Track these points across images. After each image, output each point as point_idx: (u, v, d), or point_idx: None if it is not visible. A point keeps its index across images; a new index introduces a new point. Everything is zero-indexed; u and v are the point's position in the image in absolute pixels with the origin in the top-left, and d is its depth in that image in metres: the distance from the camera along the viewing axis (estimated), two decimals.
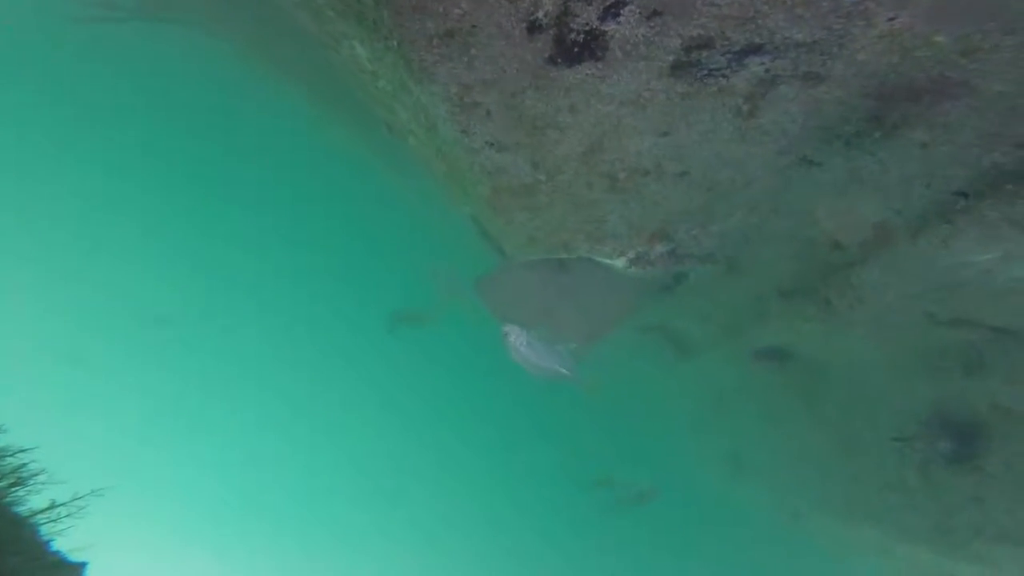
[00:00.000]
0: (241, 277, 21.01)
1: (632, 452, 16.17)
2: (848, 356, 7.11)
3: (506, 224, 5.17)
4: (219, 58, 11.65)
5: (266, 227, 20.01)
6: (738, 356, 8.30)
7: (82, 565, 4.45)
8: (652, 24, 3.17)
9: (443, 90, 3.70)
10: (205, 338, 21.59)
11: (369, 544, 23.01)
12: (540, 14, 3.14)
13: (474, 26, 3.22)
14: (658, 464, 15.21)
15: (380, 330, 18.57)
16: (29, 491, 4.15)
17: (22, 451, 4.17)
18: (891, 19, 3.13)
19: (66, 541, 4.38)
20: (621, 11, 3.08)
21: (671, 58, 3.42)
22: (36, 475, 4.17)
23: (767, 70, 3.53)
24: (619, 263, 5.83)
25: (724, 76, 3.57)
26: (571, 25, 3.19)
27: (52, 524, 4.27)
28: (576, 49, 3.32)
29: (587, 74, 3.50)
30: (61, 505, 4.31)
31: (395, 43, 3.51)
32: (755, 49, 3.37)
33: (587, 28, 3.20)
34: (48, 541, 4.26)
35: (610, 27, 3.18)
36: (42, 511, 4.24)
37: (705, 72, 3.52)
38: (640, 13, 3.09)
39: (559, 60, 3.41)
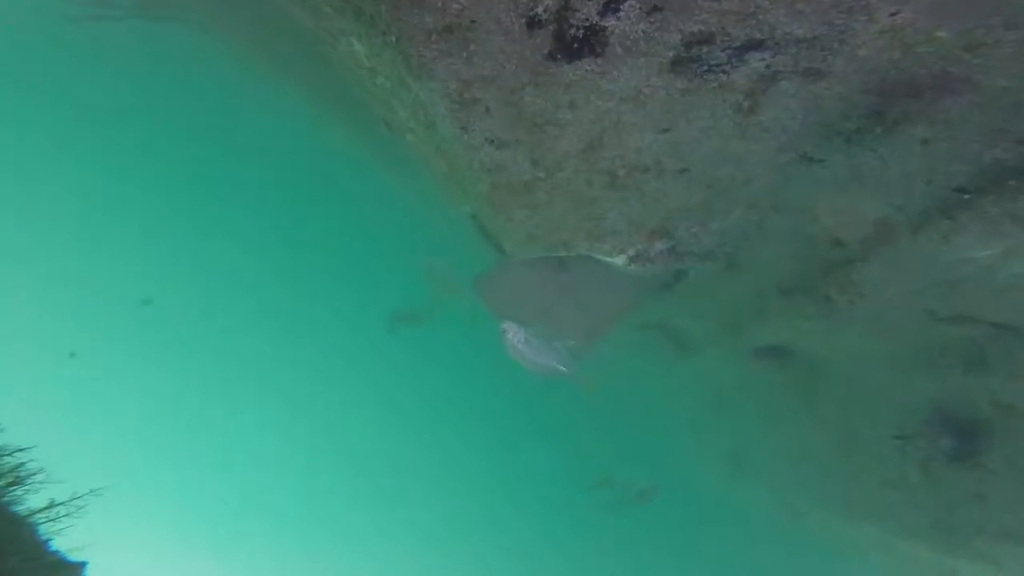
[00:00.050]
0: (240, 277, 21.01)
1: (632, 451, 16.17)
2: (849, 353, 7.11)
3: (505, 222, 5.14)
4: (216, 56, 11.62)
5: (265, 226, 19.99)
6: (738, 354, 8.30)
7: (81, 565, 4.44)
8: (652, 20, 3.15)
9: (442, 86, 3.67)
10: (204, 338, 21.59)
11: (369, 544, 23.01)
12: (540, 9, 3.12)
13: (473, 21, 3.20)
14: (658, 463, 15.21)
15: (380, 329, 18.58)
16: (28, 490, 4.14)
17: (20, 450, 4.16)
18: (893, 14, 3.11)
19: (65, 541, 4.37)
20: (621, 6, 3.06)
21: (671, 54, 3.40)
22: (35, 474, 4.16)
23: (767, 66, 3.52)
24: (619, 261, 5.82)
25: (724, 72, 3.55)
26: (571, 20, 3.17)
27: (51, 523, 4.27)
28: (576, 45, 3.30)
29: (587, 70, 3.48)
30: (60, 504, 4.30)
31: (393, 39, 3.49)
32: (755, 45, 3.35)
33: (587, 24, 3.18)
34: (47, 541, 4.25)
35: (610, 23, 3.16)
36: (41, 510, 4.23)
37: (705, 68, 3.51)
38: (640, 8, 3.08)
39: (559, 56, 3.39)
